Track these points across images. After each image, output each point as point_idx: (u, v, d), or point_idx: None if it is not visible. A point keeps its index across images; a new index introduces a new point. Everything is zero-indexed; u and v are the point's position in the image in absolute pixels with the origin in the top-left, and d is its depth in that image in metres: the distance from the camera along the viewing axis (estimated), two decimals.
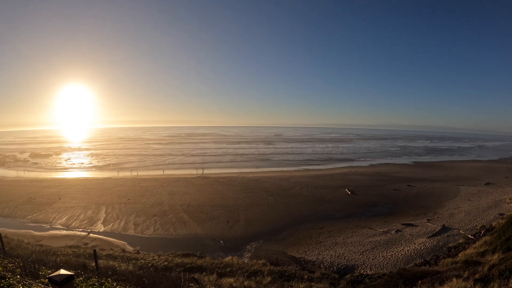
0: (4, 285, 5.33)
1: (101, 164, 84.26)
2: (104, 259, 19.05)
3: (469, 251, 20.57)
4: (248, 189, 47.95)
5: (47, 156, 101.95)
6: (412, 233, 28.34)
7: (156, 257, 21.03)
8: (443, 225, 30.30)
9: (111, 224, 32.08)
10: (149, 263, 19.31)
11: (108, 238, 28.57)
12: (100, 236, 29.08)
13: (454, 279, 11.46)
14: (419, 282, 13.04)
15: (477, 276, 11.84)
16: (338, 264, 22.50)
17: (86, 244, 26.51)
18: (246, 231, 30.19)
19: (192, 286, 12.67)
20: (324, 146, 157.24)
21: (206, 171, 69.43)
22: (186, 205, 38.90)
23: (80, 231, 30.50)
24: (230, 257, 22.00)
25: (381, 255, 23.79)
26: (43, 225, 32.19)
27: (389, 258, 23.31)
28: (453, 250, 23.35)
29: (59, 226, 31.80)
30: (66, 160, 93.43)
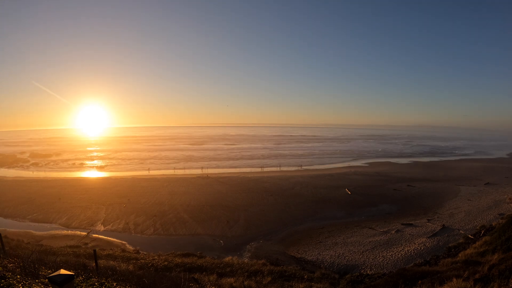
0: (4, 285, 5.33)
1: (101, 164, 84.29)
2: (104, 259, 19.05)
3: (469, 251, 20.55)
4: (248, 189, 47.94)
5: (47, 156, 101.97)
6: (412, 233, 28.35)
7: (156, 257, 21.04)
8: (443, 225, 30.31)
9: (111, 224, 32.07)
10: (149, 263, 19.31)
11: (108, 238, 28.58)
12: (100, 236, 29.08)
13: (454, 279, 11.47)
14: (419, 282, 13.04)
15: (477, 276, 11.84)
16: (338, 264, 22.51)
17: (86, 244, 26.52)
18: (246, 231, 30.19)
19: (192, 286, 12.64)
20: (323, 145, 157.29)
21: (207, 171, 69.40)
22: (186, 205, 38.89)
23: (80, 231, 30.50)
24: (230, 257, 22.02)
25: (381, 255, 23.80)
26: (43, 225, 32.20)
27: (389, 258, 23.32)
28: (453, 250, 23.35)
29: (59, 226, 31.81)
30: (66, 160, 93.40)
